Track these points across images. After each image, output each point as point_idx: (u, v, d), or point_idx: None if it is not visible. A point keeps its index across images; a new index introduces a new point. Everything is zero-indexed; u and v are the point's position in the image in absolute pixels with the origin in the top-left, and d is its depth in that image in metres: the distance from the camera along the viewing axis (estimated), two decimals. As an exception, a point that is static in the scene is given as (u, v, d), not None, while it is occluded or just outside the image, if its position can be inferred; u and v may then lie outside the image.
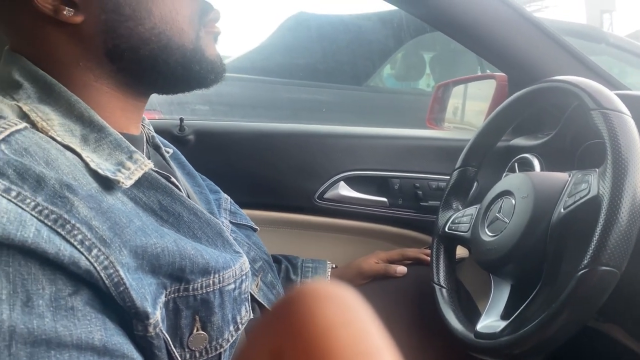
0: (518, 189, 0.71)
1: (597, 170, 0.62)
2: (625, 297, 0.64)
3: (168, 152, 0.70)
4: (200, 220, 0.53)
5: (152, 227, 0.47)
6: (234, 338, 0.53)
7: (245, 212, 0.83)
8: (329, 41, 3.16)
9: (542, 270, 0.65)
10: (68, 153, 0.45)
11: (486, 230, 0.74)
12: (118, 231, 0.43)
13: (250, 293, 0.59)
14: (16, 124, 0.43)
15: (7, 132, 0.41)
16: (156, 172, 0.53)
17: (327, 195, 1.13)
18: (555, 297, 0.58)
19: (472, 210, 0.82)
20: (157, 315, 0.44)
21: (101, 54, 0.51)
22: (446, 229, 0.86)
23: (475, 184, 0.93)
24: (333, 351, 0.28)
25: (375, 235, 1.15)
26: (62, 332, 0.37)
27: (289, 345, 0.29)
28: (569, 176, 0.68)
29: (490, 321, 0.69)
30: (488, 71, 2.41)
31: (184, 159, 0.77)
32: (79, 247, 0.39)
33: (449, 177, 0.92)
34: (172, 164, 0.69)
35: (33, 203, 0.38)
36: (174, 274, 0.47)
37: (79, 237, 0.39)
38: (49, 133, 0.46)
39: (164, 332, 0.46)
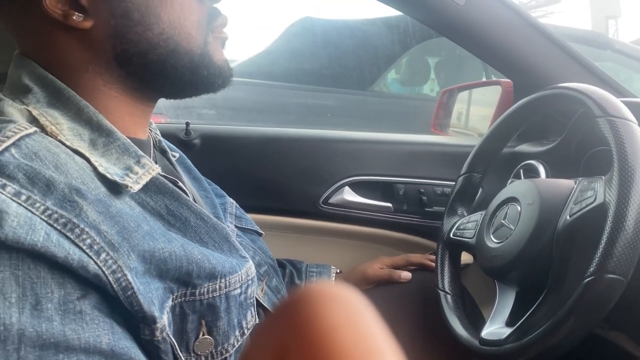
0: (524, 195, 0.71)
1: (603, 177, 0.62)
2: (631, 304, 0.64)
3: (174, 156, 0.71)
4: (207, 225, 0.54)
5: (159, 231, 0.47)
6: (239, 343, 0.53)
7: (250, 216, 0.83)
8: (334, 46, 3.16)
9: (548, 277, 0.65)
10: (77, 157, 0.45)
11: (491, 236, 0.74)
12: (126, 235, 0.43)
13: (255, 298, 0.59)
14: (26, 128, 0.43)
15: (17, 136, 0.42)
16: (163, 176, 0.53)
17: (332, 200, 1.13)
18: (561, 305, 0.58)
19: (477, 216, 0.82)
20: (164, 320, 0.44)
21: (110, 59, 0.51)
22: (451, 235, 0.86)
23: (480, 190, 0.93)
24: (337, 352, 0.28)
25: (379, 240, 1.15)
26: (71, 336, 0.37)
27: (293, 346, 0.30)
28: (575, 183, 0.68)
29: (495, 328, 0.69)
30: (493, 77, 2.41)
31: (190, 163, 0.77)
32: (87, 251, 0.39)
33: (453, 183, 0.92)
34: (178, 168, 0.69)
35: (43, 207, 0.39)
36: (180, 279, 0.47)
37: (88, 241, 0.40)
38: (58, 137, 0.46)
39: (171, 336, 0.46)
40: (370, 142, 1.17)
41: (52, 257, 0.37)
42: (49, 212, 0.39)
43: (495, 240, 0.73)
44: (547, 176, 0.90)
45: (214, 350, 0.51)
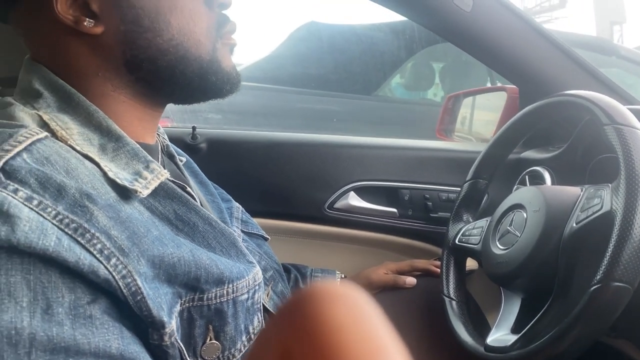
0: (530, 202, 0.71)
1: (609, 185, 0.62)
2: (637, 312, 0.64)
3: (182, 161, 0.71)
4: (214, 230, 0.54)
5: (168, 236, 0.47)
6: (246, 348, 0.53)
7: (254, 220, 0.83)
8: (339, 51, 3.17)
9: (554, 285, 0.65)
10: (87, 162, 0.46)
11: (497, 243, 0.74)
12: (136, 241, 0.43)
13: (262, 303, 0.59)
14: (37, 133, 0.43)
15: (29, 141, 0.42)
16: (172, 181, 0.53)
17: (337, 205, 1.13)
18: (567, 312, 0.58)
19: (483, 222, 0.82)
20: (173, 325, 0.45)
21: (120, 65, 0.52)
22: (456, 241, 0.86)
23: (485, 196, 0.93)
24: (342, 350, 0.28)
25: (384, 245, 1.15)
26: (81, 340, 0.37)
27: (298, 345, 0.30)
28: (581, 190, 0.68)
29: (501, 335, 0.69)
30: (498, 83, 2.41)
31: (197, 167, 0.77)
32: (98, 256, 0.40)
33: (459, 189, 0.92)
34: (185, 172, 0.69)
35: (54, 212, 0.39)
36: (189, 284, 0.47)
37: (98, 246, 0.40)
38: (68, 142, 0.46)
39: (179, 341, 0.46)
40: (376, 147, 1.17)
41: (63, 262, 0.38)
42: (60, 217, 0.39)
43: (501, 247, 0.73)
44: (553, 183, 0.90)
45: (220, 355, 0.51)
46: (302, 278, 0.91)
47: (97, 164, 0.46)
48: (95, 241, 0.40)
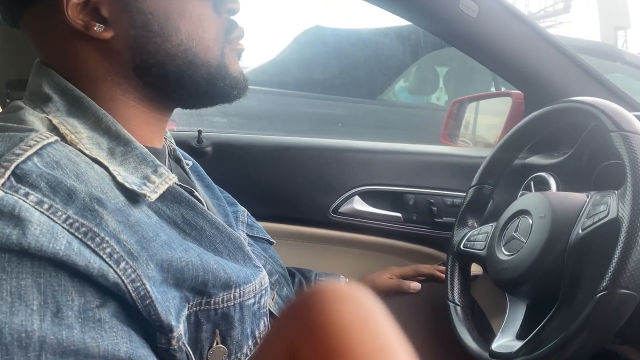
0: (535, 208, 0.71)
1: (616, 192, 0.62)
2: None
3: (188, 164, 0.71)
4: (221, 234, 0.54)
5: (177, 241, 0.48)
6: (252, 352, 0.53)
7: (260, 224, 0.83)
8: (344, 55, 3.18)
9: (559, 291, 0.65)
10: (96, 166, 0.46)
11: (502, 249, 0.74)
12: (145, 245, 0.43)
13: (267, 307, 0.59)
14: (48, 137, 0.44)
15: (39, 145, 0.42)
16: (180, 185, 0.53)
17: (341, 210, 1.13)
18: (573, 319, 0.58)
19: (488, 228, 0.82)
20: (180, 329, 0.45)
21: (129, 69, 0.52)
22: (461, 247, 0.86)
23: (490, 202, 0.93)
24: (349, 349, 0.28)
25: (389, 250, 1.16)
26: (90, 344, 0.37)
27: (304, 344, 0.30)
28: (587, 197, 0.68)
29: (506, 341, 0.69)
30: (503, 88, 2.41)
31: (203, 171, 0.78)
32: (107, 260, 0.40)
33: (464, 194, 0.92)
34: (192, 176, 0.70)
35: (64, 216, 0.39)
36: (196, 288, 0.48)
37: (108, 250, 0.40)
38: (78, 146, 0.47)
39: (186, 345, 0.46)
40: (381, 151, 1.17)
41: (73, 266, 0.38)
42: (70, 220, 0.39)
43: (507, 253, 0.73)
44: (558, 189, 0.90)
45: None
46: (306, 282, 0.91)
47: (106, 168, 0.47)
48: (104, 245, 0.40)
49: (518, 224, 0.74)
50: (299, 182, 1.14)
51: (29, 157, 0.41)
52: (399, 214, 1.13)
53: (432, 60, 3.37)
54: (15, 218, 0.37)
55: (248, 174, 1.15)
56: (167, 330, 0.43)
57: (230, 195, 0.80)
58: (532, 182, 0.96)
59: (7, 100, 0.94)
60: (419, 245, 1.15)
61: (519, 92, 1.14)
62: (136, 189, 0.47)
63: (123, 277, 0.40)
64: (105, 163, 0.47)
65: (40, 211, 0.38)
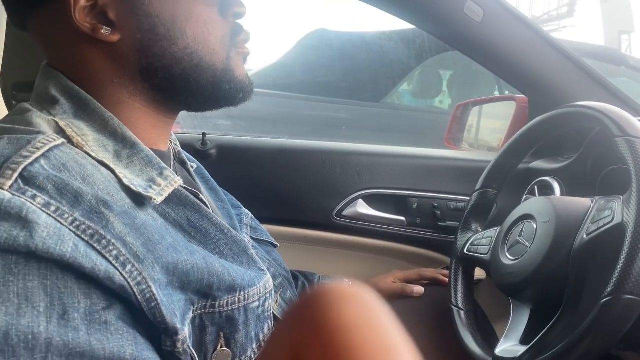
0: (540, 213, 0.71)
1: (620, 197, 0.62)
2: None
3: (192, 167, 0.72)
4: (226, 237, 0.54)
5: (182, 243, 0.48)
6: (256, 355, 0.54)
7: (263, 227, 0.83)
8: (349, 58, 3.18)
9: (563, 296, 0.65)
10: (102, 169, 0.46)
11: (506, 253, 0.74)
12: (151, 247, 0.44)
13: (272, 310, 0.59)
14: (55, 140, 0.44)
15: (46, 148, 0.42)
16: (185, 188, 0.54)
17: (345, 213, 1.13)
18: (577, 324, 0.58)
19: (492, 232, 0.82)
20: (186, 332, 0.45)
21: (135, 72, 0.52)
22: (465, 251, 0.86)
23: (494, 206, 0.93)
24: (353, 350, 0.28)
25: (392, 254, 1.16)
26: (96, 346, 0.38)
27: (309, 344, 0.30)
28: (592, 202, 0.68)
29: (510, 345, 0.69)
30: (507, 92, 2.41)
31: (208, 173, 0.78)
32: (114, 262, 0.40)
33: (467, 198, 0.92)
34: (197, 179, 0.70)
35: (71, 218, 0.39)
36: (201, 291, 0.48)
37: (114, 252, 0.40)
38: (84, 148, 0.47)
39: (191, 348, 0.46)
40: (385, 155, 1.17)
41: (79, 268, 0.38)
42: (77, 223, 0.39)
43: (511, 257, 0.73)
44: (562, 193, 0.90)
45: None
46: (309, 285, 0.91)
47: (112, 171, 0.47)
48: (111, 247, 0.40)
49: (522, 228, 0.74)
50: (302, 185, 1.14)
51: (36, 160, 0.41)
52: (402, 218, 1.13)
53: (436, 64, 3.37)
54: (22, 220, 0.37)
55: (252, 176, 1.15)
56: (172, 332, 0.43)
57: (234, 198, 0.81)
58: (536, 187, 0.96)
59: (14, 103, 0.95)
60: (422, 249, 1.14)
61: (523, 96, 1.14)
62: (142, 192, 0.47)
63: (129, 280, 0.41)
64: (112, 165, 0.47)
65: (48, 213, 0.38)
